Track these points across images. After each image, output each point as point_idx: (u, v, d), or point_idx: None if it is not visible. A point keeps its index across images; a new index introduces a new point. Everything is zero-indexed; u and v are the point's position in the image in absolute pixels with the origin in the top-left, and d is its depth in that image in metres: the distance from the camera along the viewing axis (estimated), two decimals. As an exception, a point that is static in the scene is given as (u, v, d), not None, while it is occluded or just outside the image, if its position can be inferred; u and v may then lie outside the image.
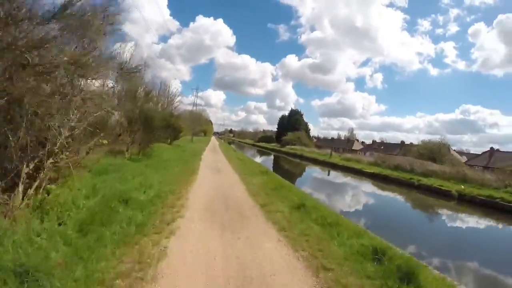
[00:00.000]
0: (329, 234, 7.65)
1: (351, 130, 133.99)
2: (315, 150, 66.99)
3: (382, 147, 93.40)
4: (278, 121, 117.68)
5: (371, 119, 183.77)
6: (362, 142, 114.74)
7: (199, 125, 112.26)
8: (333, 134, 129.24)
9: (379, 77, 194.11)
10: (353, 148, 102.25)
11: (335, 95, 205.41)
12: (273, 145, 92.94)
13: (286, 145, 77.82)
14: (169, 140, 33.98)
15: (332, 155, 49.43)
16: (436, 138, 45.07)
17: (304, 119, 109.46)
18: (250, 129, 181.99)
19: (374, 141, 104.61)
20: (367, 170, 34.12)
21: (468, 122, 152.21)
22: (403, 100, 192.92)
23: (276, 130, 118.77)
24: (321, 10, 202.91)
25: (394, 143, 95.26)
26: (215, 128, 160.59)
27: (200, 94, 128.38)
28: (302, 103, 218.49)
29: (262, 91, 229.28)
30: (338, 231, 7.80)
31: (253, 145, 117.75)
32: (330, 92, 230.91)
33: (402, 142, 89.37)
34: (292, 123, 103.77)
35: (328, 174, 37.16)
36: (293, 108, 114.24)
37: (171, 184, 12.21)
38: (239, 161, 27.66)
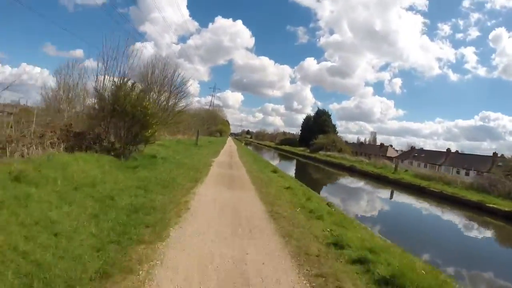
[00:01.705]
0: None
1: (373, 135, 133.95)
2: (352, 157, 56.11)
3: (423, 155, 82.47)
4: (302, 122, 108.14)
5: (389, 123, 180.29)
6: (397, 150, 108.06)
7: (214, 124, 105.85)
8: (350, 138, 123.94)
9: (398, 81, 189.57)
10: (387, 155, 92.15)
11: (353, 99, 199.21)
12: (300, 150, 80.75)
13: (318, 150, 66.82)
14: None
15: (397, 169, 37.12)
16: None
17: (332, 121, 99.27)
18: (269, 130, 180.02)
19: (413, 148, 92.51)
20: (494, 206, 20.92)
21: (487, 128, 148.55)
22: (422, 105, 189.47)
23: (299, 132, 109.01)
24: (340, 13, 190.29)
25: (437, 151, 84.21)
26: (232, 129, 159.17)
27: (218, 94, 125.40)
28: (320, 106, 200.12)
29: (280, 93, 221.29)
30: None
31: (275, 148, 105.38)
32: (348, 96, 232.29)
33: (448, 150, 78.04)
34: (318, 124, 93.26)
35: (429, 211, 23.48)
36: (318, 109, 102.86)
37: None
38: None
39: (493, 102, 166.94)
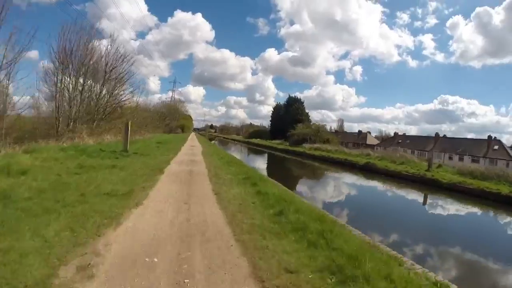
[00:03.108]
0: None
1: (340, 122, 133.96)
2: (352, 150, 47.20)
3: (407, 141, 76.37)
4: (272, 112, 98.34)
5: (351, 110, 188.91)
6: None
7: (175, 119, 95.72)
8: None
9: (358, 69, 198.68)
10: (367, 143, 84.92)
11: (315, 88, 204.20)
12: (277, 143, 69.75)
13: (300, 143, 57.36)
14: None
15: (431, 167, 26.90)
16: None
17: (306, 108, 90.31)
18: (233, 123, 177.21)
19: (396, 134, 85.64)
20: None
21: (446, 112, 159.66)
22: (383, 91, 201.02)
23: (270, 123, 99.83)
24: (301, 4, 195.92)
25: (423, 136, 78.88)
26: (196, 124, 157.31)
27: (179, 90, 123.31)
28: (282, 97, 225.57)
29: (242, 86, 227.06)
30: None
31: (245, 142, 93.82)
32: (310, 85, 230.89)
33: (437, 135, 72.03)
34: (291, 113, 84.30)
35: None
36: (289, 96, 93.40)
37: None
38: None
39: (451, 86, 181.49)
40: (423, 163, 31.30)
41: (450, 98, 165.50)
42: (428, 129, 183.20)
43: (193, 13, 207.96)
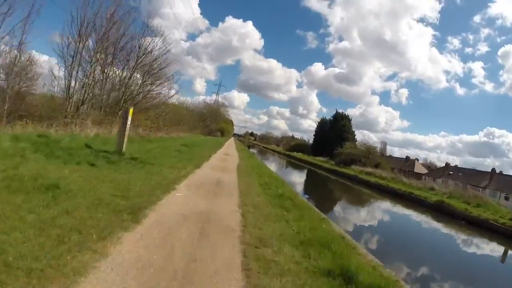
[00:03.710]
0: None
1: (383, 145, 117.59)
2: (413, 181, 38.89)
3: (460, 174, 65.60)
4: (316, 127, 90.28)
5: (393, 134, 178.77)
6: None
7: (215, 122, 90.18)
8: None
9: (404, 92, 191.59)
10: (415, 171, 75.58)
11: (358, 107, 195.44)
12: (321, 161, 62.00)
13: (347, 163, 49.67)
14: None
15: None
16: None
17: (353, 126, 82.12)
18: (275, 133, 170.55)
19: (447, 164, 75.34)
20: None
21: (491, 145, 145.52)
22: (427, 117, 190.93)
23: (313, 137, 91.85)
24: (350, 21, 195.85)
25: (477, 170, 67.72)
26: (236, 130, 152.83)
27: (224, 94, 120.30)
28: (325, 112, 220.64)
29: (286, 97, 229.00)
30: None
31: (285, 155, 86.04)
32: (354, 103, 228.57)
33: (493, 170, 61.63)
34: (337, 130, 76.37)
35: None
36: (336, 112, 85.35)
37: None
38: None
39: (498, 119, 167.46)
40: (502, 207, 25.22)
41: (497, 132, 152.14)
42: (470, 161, 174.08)
43: (244, 20, 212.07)
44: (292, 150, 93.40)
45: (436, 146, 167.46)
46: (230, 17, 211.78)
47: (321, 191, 29.90)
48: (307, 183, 35.39)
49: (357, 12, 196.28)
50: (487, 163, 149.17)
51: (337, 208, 22.03)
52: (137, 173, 9.54)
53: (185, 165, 12.95)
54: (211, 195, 8.88)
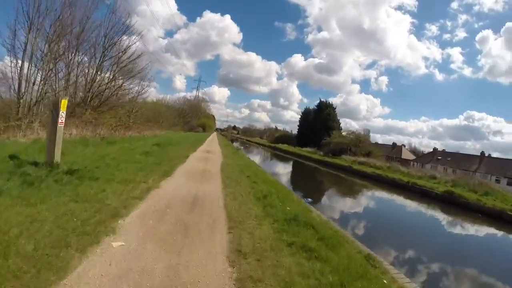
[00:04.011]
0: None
1: (366, 132, 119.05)
2: (412, 170, 35.67)
3: (448, 158, 64.32)
4: (300, 117, 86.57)
5: (375, 121, 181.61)
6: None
7: (196, 117, 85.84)
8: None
9: (384, 79, 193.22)
10: (402, 157, 72.80)
11: (339, 96, 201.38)
12: (308, 152, 58.15)
13: (336, 153, 46.46)
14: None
15: None
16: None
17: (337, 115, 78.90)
18: (257, 126, 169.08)
19: (435, 149, 72.64)
20: None
21: (471, 128, 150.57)
22: (408, 103, 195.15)
23: (297, 128, 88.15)
24: (329, 11, 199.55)
25: (466, 154, 66.69)
26: (218, 125, 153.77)
27: (204, 90, 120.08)
28: (306, 103, 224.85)
29: (267, 89, 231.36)
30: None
31: (270, 147, 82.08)
32: (334, 93, 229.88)
33: (482, 154, 59.85)
34: (321, 119, 73.29)
35: None
36: (320, 100, 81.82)
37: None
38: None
39: (477, 102, 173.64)
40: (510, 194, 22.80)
41: (477, 115, 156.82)
42: (451, 144, 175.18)
43: (222, 14, 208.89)
44: (276, 142, 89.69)
45: (418, 131, 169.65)
46: (208, 11, 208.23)
47: (315, 186, 26.24)
48: (298, 178, 31.77)
49: (335, 1, 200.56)
50: (468, 146, 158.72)
51: (337, 205, 18.56)
52: (57, 201, 5.53)
53: (147, 176, 9.04)
54: (180, 236, 5.01)
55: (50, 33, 19.11)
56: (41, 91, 18.46)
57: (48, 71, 19.48)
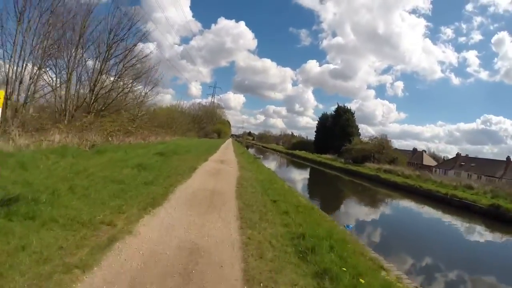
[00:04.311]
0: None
1: (385, 137, 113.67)
2: (431, 176, 31.83)
3: (472, 164, 59.07)
4: (317, 123, 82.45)
5: (391, 126, 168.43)
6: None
7: (211, 123, 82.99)
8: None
9: (400, 85, 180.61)
10: (424, 163, 68.21)
11: (355, 102, 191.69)
12: (328, 159, 53.46)
13: (361, 161, 42.08)
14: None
15: None
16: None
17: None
18: (273, 132, 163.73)
19: (458, 155, 67.94)
20: None
21: (489, 132, 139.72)
22: (424, 108, 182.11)
23: (314, 134, 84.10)
24: (343, 16, 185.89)
25: (491, 159, 60.58)
26: (234, 131, 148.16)
27: (219, 96, 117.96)
28: (322, 109, 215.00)
29: (282, 96, 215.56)
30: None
31: (288, 154, 76.96)
32: (350, 98, 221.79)
33: (508, 159, 54.92)
34: (339, 125, 69.08)
35: None
36: (338, 106, 77.62)
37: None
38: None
39: (495, 106, 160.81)
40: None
41: (494, 118, 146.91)
42: (469, 149, 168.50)
43: (237, 21, 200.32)
44: (294, 148, 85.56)
45: (434, 136, 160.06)
46: (222, 18, 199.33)
47: (344, 201, 22.61)
48: (323, 190, 27.53)
49: (349, 6, 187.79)
50: (485, 151, 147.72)
51: (380, 229, 14.80)
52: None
53: (121, 208, 5.70)
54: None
55: (42, 26, 16.47)
56: (28, 92, 15.58)
57: (39, 68, 16.66)
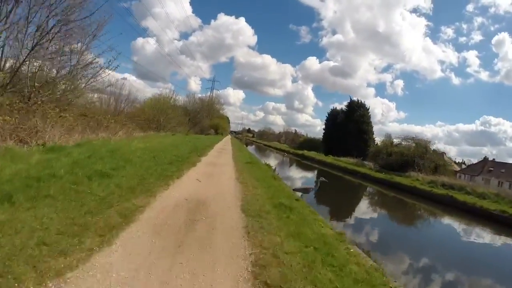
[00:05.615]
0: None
1: (388, 136, 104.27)
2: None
3: (502, 170, 51.10)
4: (326, 119, 73.63)
5: (390, 126, 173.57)
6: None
7: (208, 117, 72.79)
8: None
9: (399, 83, 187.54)
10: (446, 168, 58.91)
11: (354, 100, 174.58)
12: (350, 163, 41.82)
13: (399, 169, 32.32)
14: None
15: None
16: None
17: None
18: (273, 129, 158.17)
19: (486, 159, 58.60)
20: None
21: (488, 133, 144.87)
22: (423, 108, 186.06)
23: (323, 131, 74.79)
24: (343, 13, 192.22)
25: None
26: (232, 127, 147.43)
27: (219, 91, 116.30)
28: (321, 107, 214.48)
29: (281, 92, 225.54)
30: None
31: (300, 156, 59.95)
32: (349, 96, 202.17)
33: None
34: (353, 122, 60.73)
35: None
36: (351, 100, 67.68)
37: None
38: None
39: (494, 107, 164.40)
40: None
41: (493, 120, 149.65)
42: (467, 150, 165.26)
43: (237, 17, 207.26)
44: (301, 148, 74.95)
45: (433, 137, 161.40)
46: (222, 14, 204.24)
47: (396, 236, 13.28)
48: (363, 217, 18.04)
49: (350, 4, 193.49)
50: (484, 152, 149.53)
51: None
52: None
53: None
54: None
55: None
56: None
57: None
